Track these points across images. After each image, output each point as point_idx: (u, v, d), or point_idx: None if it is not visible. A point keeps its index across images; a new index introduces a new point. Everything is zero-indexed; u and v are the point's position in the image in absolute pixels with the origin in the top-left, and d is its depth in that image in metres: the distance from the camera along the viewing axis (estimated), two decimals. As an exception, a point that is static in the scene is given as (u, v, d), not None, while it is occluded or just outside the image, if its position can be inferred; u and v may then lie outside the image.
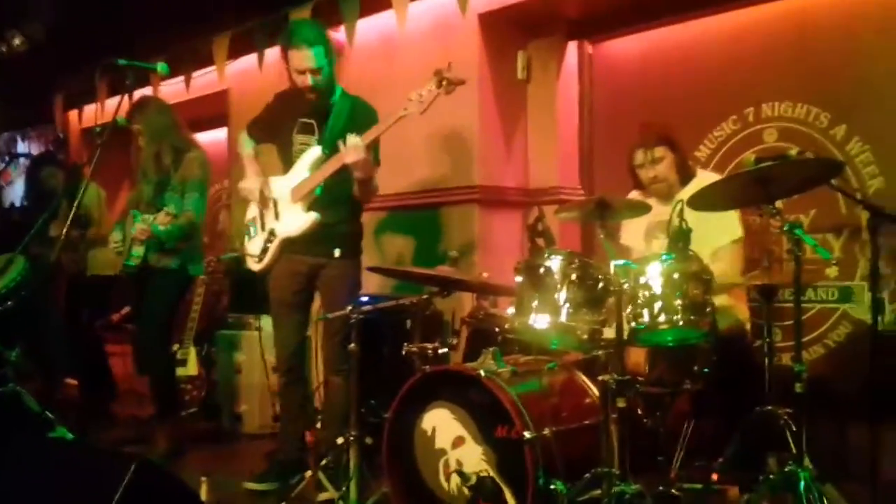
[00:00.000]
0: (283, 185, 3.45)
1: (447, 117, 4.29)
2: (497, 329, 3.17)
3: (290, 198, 3.42)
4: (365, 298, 4.05)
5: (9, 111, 7.19)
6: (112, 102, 6.19)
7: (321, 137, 3.42)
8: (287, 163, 3.50)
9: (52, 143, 7.04)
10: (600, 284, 2.51)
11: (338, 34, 4.82)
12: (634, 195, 3.31)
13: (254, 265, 3.57)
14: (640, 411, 2.68)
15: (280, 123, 3.56)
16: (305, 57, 3.31)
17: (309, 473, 3.12)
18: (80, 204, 3.42)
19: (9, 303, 4.52)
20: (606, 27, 4.29)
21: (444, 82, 3.17)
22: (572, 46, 4.41)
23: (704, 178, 3.20)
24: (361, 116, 3.41)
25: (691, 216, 2.45)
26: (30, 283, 4.57)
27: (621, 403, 2.23)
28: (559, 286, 2.50)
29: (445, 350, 3.18)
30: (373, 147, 3.32)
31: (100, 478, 2.31)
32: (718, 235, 3.01)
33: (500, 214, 4.30)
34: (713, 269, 2.46)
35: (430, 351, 3.12)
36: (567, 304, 2.47)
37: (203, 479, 2.83)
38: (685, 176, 3.20)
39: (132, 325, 5.95)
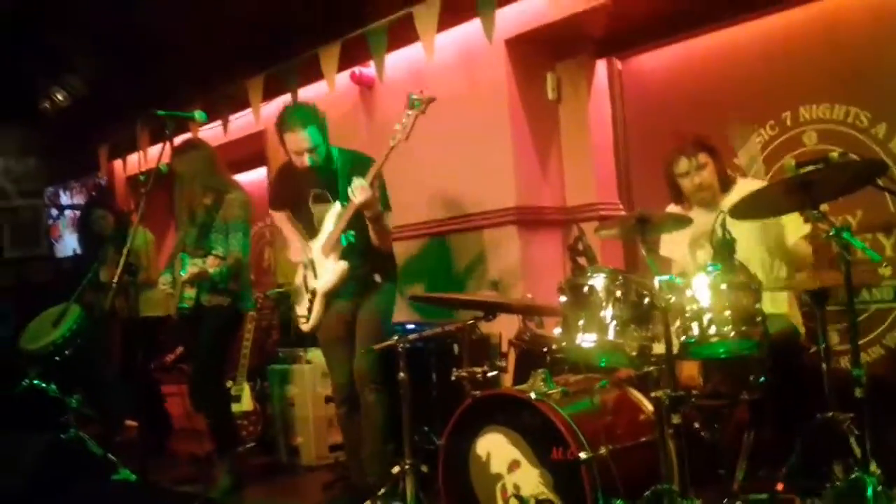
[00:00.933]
0: (315, 246, 3.61)
1: (482, 141, 4.34)
2: (545, 350, 3.18)
3: (321, 254, 3.56)
4: (411, 326, 4.11)
5: (54, 165, 7.44)
6: (155, 150, 6.38)
7: (336, 197, 3.53)
8: (310, 230, 3.67)
9: (94, 190, 7.25)
10: (646, 300, 2.50)
11: (368, 69, 4.92)
12: (672, 209, 3.30)
13: (303, 326, 3.70)
14: (697, 425, 2.66)
15: (294, 195, 3.73)
16: (301, 139, 3.48)
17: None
18: (129, 249, 3.54)
19: (66, 351, 4.67)
20: (634, 43, 4.30)
21: (416, 104, 3.28)
22: (601, 64, 4.43)
23: (745, 184, 3.18)
24: (361, 165, 3.51)
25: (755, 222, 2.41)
26: (85, 331, 4.71)
27: (676, 419, 2.21)
28: (604, 304, 2.50)
29: (495, 373, 3.21)
30: (378, 187, 3.45)
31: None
32: (791, 232, 3.01)
33: (540, 234, 4.31)
34: (800, 252, 2.40)
35: (479, 375, 3.13)
36: (614, 322, 2.46)
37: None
38: (725, 183, 3.19)
39: (186, 364, 6.09)
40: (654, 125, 4.29)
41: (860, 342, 3.42)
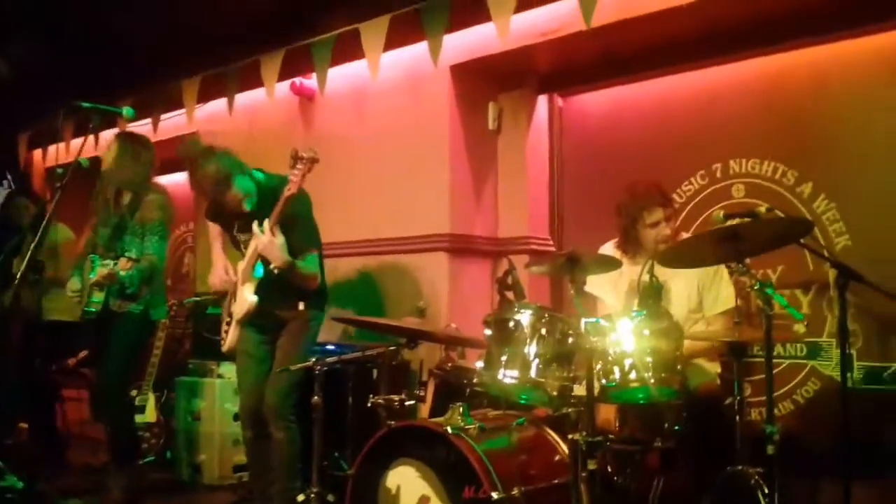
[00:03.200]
0: (239, 275, 3.48)
1: (418, 165, 4.30)
2: (465, 382, 3.12)
3: (241, 281, 3.45)
4: (330, 347, 4.00)
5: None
6: (77, 143, 6.12)
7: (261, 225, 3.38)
8: (238, 252, 3.57)
9: (13, 179, 6.88)
10: (570, 340, 2.48)
11: (309, 81, 4.83)
12: (607, 249, 3.30)
13: (221, 346, 3.61)
14: (609, 469, 2.64)
15: (223, 215, 3.59)
16: (235, 198, 3.36)
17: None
18: (38, 245, 3.35)
19: (-40, 347, 4.38)
20: (576, 81, 4.35)
21: (300, 163, 3.20)
22: (543, 99, 4.46)
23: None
24: (281, 189, 3.35)
25: (688, 280, 2.42)
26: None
27: (592, 465, 2.18)
28: (529, 341, 2.47)
29: (412, 402, 3.14)
30: (299, 227, 3.34)
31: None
32: (713, 305, 3.08)
33: (469, 264, 4.27)
34: (706, 332, 2.44)
35: (396, 403, 3.06)
36: (537, 360, 2.43)
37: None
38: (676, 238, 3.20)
39: (89, 369, 5.80)
40: (590, 164, 4.33)
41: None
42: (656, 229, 3.14)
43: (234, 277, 3.47)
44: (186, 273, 6.40)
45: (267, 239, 3.17)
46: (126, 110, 3.50)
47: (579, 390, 2.37)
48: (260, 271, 3.37)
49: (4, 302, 4.71)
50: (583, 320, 2.27)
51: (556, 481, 2.53)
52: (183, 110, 5.29)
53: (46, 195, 6.23)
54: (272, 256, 3.22)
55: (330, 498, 2.89)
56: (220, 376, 4.63)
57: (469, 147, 4.31)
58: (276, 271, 3.24)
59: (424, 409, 3.33)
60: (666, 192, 3.24)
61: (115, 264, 3.68)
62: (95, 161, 5.76)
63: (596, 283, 3.24)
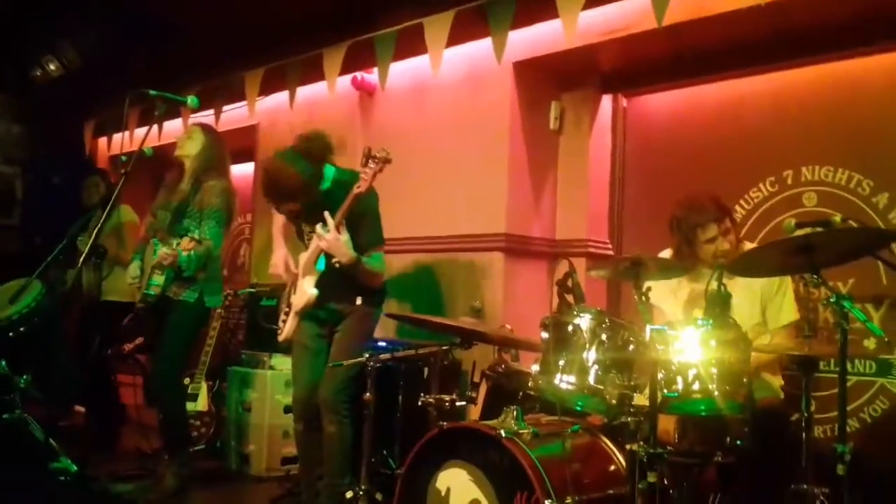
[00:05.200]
0: (301, 262, 3.50)
1: (477, 163, 4.24)
2: (519, 385, 3.06)
3: (302, 273, 3.46)
4: (382, 344, 3.97)
5: (37, 135, 7.24)
6: (141, 132, 6.23)
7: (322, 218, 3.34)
8: (302, 242, 3.59)
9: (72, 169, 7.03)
10: (631, 347, 2.40)
11: (370, 76, 4.81)
12: (667, 254, 3.20)
13: (278, 335, 3.61)
14: (665, 482, 2.54)
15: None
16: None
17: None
18: (101, 229, 3.40)
19: (22, 328, 4.47)
20: (642, 82, 4.23)
21: (372, 161, 3.20)
22: (606, 99, 4.36)
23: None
24: (351, 184, 3.34)
25: (750, 291, 2.32)
26: (44, 309, 4.52)
27: (652, 478, 2.10)
28: (588, 346, 2.40)
29: (463, 403, 3.09)
30: (366, 223, 3.34)
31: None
32: (776, 317, 2.96)
33: (526, 265, 4.20)
34: (774, 345, 2.34)
35: (447, 403, 3.03)
36: (596, 366, 2.36)
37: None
38: (739, 249, 3.08)
39: (144, 355, 5.90)
40: (654, 167, 4.21)
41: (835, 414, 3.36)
42: (713, 244, 3.01)
43: (295, 270, 3.46)
44: (242, 264, 6.46)
45: (332, 236, 3.15)
46: (191, 99, 3.54)
47: (639, 399, 2.29)
48: (322, 264, 3.37)
49: (67, 281, 4.82)
50: (647, 327, 2.19)
51: (610, 492, 2.45)
52: (245, 102, 5.33)
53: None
54: (338, 253, 3.22)
55: (378, 496, 2.86)
56: (272, 368, 4.64)
57: (529, 146, 4.24)
58: (338, 266, 3.23)
59: (475, 411, 3.29)
60: (722, 204, 3.09)
61: (178, 244, 3.70)
62: (159, 149, 5.89)
63: (654, 291, 3.14)
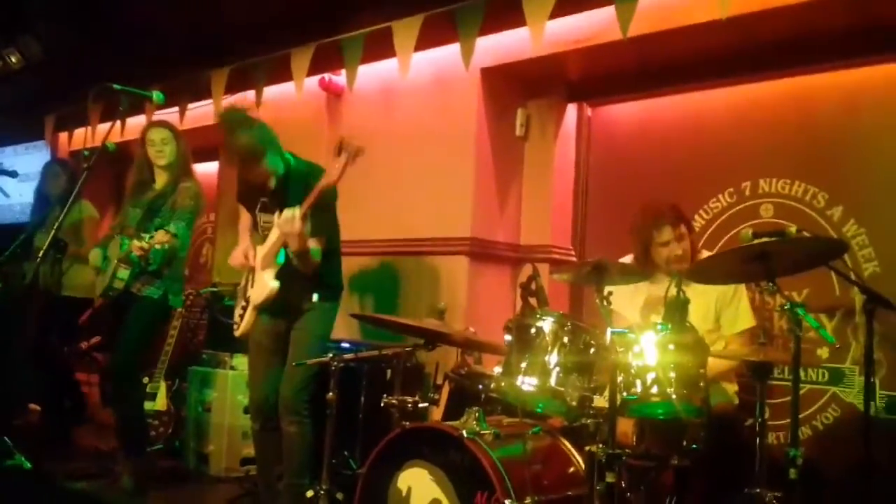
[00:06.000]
0: (259, 254, 3.47)
1: (443, 167, 4.28)
2: (481, 387, 3.08)
3: (260, 266, 3.43)
4: (345, 345, 3.98)
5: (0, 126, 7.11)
6: (105, 127, 6.14)
7: (281, 210, 3.32)
8: (259, 235, 3.55)
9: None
10: (592, 350, 2.45)
11: (338, 78, 4.82)
12: (628, 260, 3.26)
13: (235, 331, 3.58)
14: (623, 483, 2.59)
15: (248, 198, 3.60)
16: (264, 171, 3.35)
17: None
18: (61, 224, 3.35)
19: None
20: (607, 91, 4.31)
21: (344, 153, 3.15)
22: (572, 108, 4.42)
23: None
24: (311, 179, 3.34)
25: (705, 298, 2.37)
26: (0, 303, 4.44)
27: (611, 478, 2.14)
28: (550, 348, 2.44)
29: (426, 405, 3.11)
30: (323, 211, 3.30)
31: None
32: (732, 324, 3.03)
33: (490, 269, 4.24)
34: (730, 351, 2.40)
35: (409, 404, 3.03)
36: (557, 368, 2.39)
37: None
38: (695, 258, 3.15)
39: (100, 353, 5.81)
40: (617, 175, 4.29)
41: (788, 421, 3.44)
42: (667, 248, 3.10)
43: (253, 262, 3.44)
44: (204, 263, 6.41)
45: (298, 225, 3.12)
46: (156, 95, 3.51)
47: (599, 401, 2.34)
48: (282, 257, 3.35)
49: (26, 277, 4.73)
50: (609, 331, 2.23)
51: (569, 493, 2.50)
52: (210, 101, 5.29)
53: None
54: (294, 242, 3.19)
55: (339, 496, 2.86)
56: (233, 368, 4.61)
57: (495, 152, 4.29)
58: (292, 254, 3.23)
59: (438, 413, 3.30)
60: (679, 211, 3.18)
61: (152, 237, 3.67)
62: (121, 145, 5.81)
63: (615, 295, 3.20)
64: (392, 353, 3.05)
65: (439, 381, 3.37)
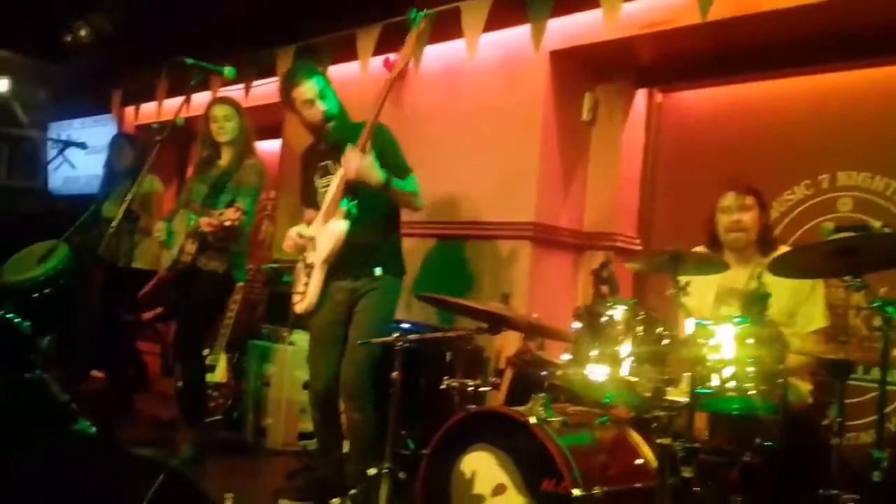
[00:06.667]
0: (316, 221, 3.42)
1: (508, 151, 4.23)
2: (544, 373, 3.05)
3: (322, 224, 3.36)
4: (406, 325, 3.97)
5: (65, 101, 7.27)
6: (171, 102, 6.23)
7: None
8: (316, 206, 3.49)
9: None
10: (665, 341, 2.39)
11: (405, 57, 4.79)
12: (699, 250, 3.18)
13: (298, 305, 3.43)
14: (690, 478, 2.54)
15: (309, 181, 3.56)
16: (306, 89, 3.38)
17: (337, 501, 2.99)
18: (134, 196, 3.42)
19: (46, 290, 4.51)
20: (679, 77, 4.20)
21: (415, 21, 3.24)
22: (641, 93, 4.33)
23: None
24: (380, 131, 3.35)
25: (781, 293, 2.29)
26: (70, 272, 4.55)
27: (687, 473, 2.09)
28: (622, 338, 2.39)
29: (487, 389, 3.09)
30: (387, 150, 3.28)
31: (126, 482, 2.22)
32: (807, 322, 2.93)
33: (552, 255, 4.19)
34: (811, 348, 2.32)
35: (471, 387, 3.02)
36: (630, 359, 2.34)
37: (228, 495, 2.72)
38: (765, 242, 3.04)
39: (162, 325, 5.93)
40: (686, 164, 4.19)
41: (864, 421, 3.34)
42: (727, 215, 3.01)
43: (307, 236, 3.40)
44: (263, 240, 6.48)
45: (359, 158, 3.11)
46: (228, 70, 3.54)
47: (673, 394, 2.28)
48: (345, 204, 3.28)
49: (95, 247, 4.84)
50: (690, 322, 2.18)
51: (637, 485, 2.45)
52: (275, 78, 5.31)
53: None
54: (366, 175, 3.15)
55: (401, 475, 2.86)
56: (292, 343, 4.66)
57: (561, 136, 4.22)
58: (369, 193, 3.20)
59: (498, 397, 3.29)
60: (750, 183, 3.08)
61: (222, 213, 3.71)
62: (190, 120, 5.89)
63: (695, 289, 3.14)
64: (458, 335, 3.03)
65: (501, 366, 3.34)
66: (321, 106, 3.38)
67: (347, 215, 3.27)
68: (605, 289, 2.61)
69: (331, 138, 3.42)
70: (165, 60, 5.19)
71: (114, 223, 3.38)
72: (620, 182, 4.25)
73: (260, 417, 4.66)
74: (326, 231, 3.32)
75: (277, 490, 3.55)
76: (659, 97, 4.34)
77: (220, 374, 4.93)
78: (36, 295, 4.44)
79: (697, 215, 3.25)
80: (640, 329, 2.37)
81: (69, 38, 6.29)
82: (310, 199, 3.56)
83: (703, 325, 2.21)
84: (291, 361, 4.59)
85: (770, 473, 2.61)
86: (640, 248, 4.23)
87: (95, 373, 5.59)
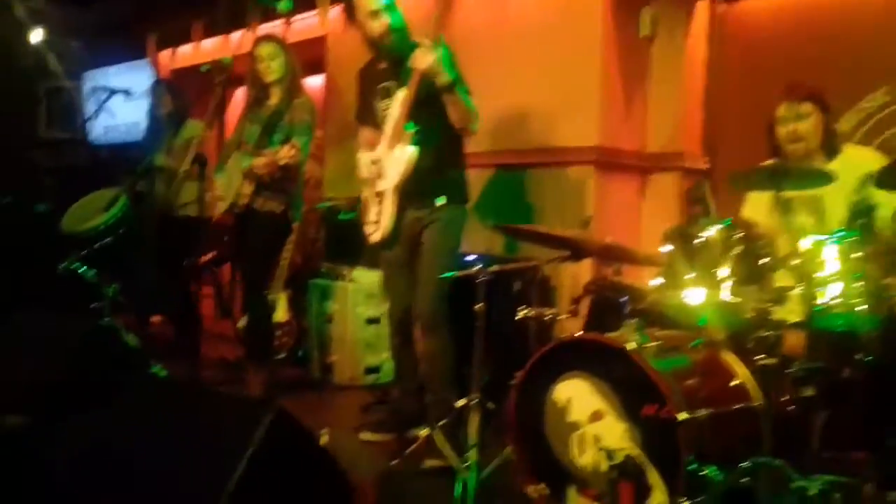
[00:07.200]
0: (381, 146, 3.35)
1: (565, 72, 4.09)
2: (624, 299, 3.00)
3: (387, 149, 3.30)
4: (471, 257, 3.93)
5: (98, 48, 7.17)
6: (206, 43, 6.13)
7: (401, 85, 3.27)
8: (379, 131, 3.41)
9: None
10: (767, 259, 2.32)
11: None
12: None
13: (374, 235, 3.39)
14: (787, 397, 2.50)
15: (368, 102, 3.49)
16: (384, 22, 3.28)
17: (425, 432, 3.01)
18: (195, 138, 3.37)
19: (108, 238, 4.53)
20: (742, -15, 4.02)
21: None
22: (702, 5, 4.15)
23: (855, 152, 2.97)
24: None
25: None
26: (130, 220, 4.56)
27: (810, 392, 2.05)
28: (720, 259, 2.32)
29: (564, 317, 3.06)
30: (444, 62, 3.15)
31: (228, 424, 2.23)
32: None
33: (616, 179, 4.10)
34: None
35: (547, 317, 2.99)
36: (730, 280, 2.28)
37: (323, 431, 2.75)
38: (830, 146, 2.93)
39: (217, 267, 5.96)
40: (753, 77, 4.02)
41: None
42: (783, 127, 2.92)
43: (373, 158, 3.36)
44: (308, 180, 6.42)
45: (430, 52, 3.05)
46: (284, 3, 3.45)
47: (779, 313, 2.23)
48: (410, 128, 3.24)
49: (153, 196, 4.84)
50: (805, 240, 2.10)
51: (738, 406, 2.42)
52: (315, 11, 5.17)
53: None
54: (437, 70, 3.09)
55: (490, 406, 2.86)
56: (352, 280, 4.66)
57: (621, 55, 4.07)
58: (440, 91, 3.15)
59: (576, 326, 3.25)
60: (806, 87, 2.95)
61: (276, 152, 3.66)
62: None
63: (750, 201, 3.05)
64: (544, 263, 2.99)
65: (577, 294, 3.29)
66: (385, 18, 3.29)
67: (414, 140, 3.21)
68: (697, 209, 2.53)
69: (392, 53, 3.34)
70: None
71: (183, 168, 3.33)
72: (684, 99, 4.11)
73: (325, 354, 4.70)
74: (394, 157, 3.28)
75: (357, 425, 3.60)
76: (721, 7, 4.16)
77: (280, 312, 4.94)
78: (98, 244, 4.45)
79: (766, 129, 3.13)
80: (738, 248, 2.30)
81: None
82: (368, 118, 3.51)
83: (812, 241, 2.13)
84: (353, 298, 4.60)
85: (869, 388, 2.57)
86: (707, 167, 4.11)
87: (154, 318, 5.67)
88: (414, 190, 3.29)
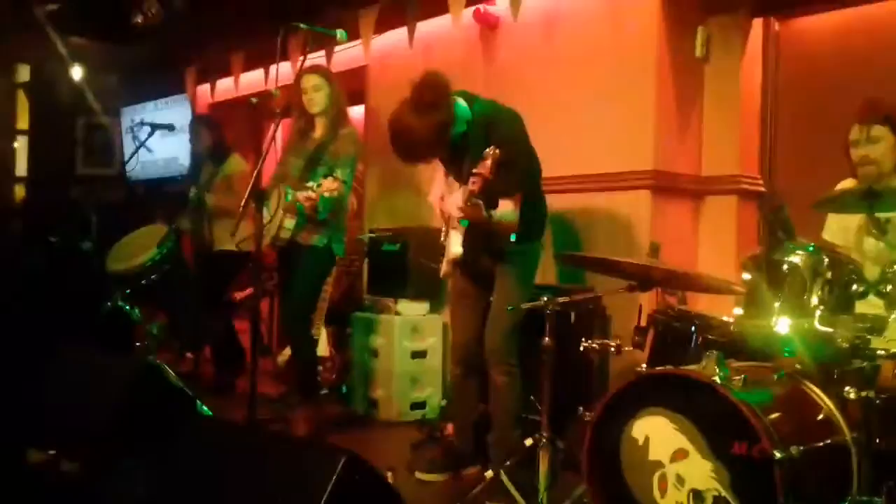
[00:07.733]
0: (449, 207, 3.17)
1: (618, 96, 4.00)
2: (694, 329, 2.87)
3: (452, 222, 3.17)
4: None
5: (136, 84, 7.21)
6: (247, 76, 6.12)
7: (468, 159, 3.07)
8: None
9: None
10: (854, 286, 2.19)
11: (493, 7, 4.57)
12: (846, 184, 2.95)
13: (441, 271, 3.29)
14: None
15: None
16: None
17: (489, 473, 2.88)
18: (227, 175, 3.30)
19: (153, 276, 4.49)
20: (797, 3, 3.91)
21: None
22: (757, 24, 4.04)
23: None
24: (496, 128, 3.09)
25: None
26: (174, 257, 4.52)
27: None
28: (809, 286, 2.18)
29: (629, 348, 2.93)
30: (515, 167, 2.97)
31: (305, 471, 2.12)
32: None
33: (672, 203, 3.97)
34: None
35: (613, 348, 2.87)
36: (822, 308, 2.15)
37: (388, 472, 2.63)
38: None
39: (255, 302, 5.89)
40: (809, 97, 3.91)
41: None
42: (855, 149, 2.81)
43: (446, 210, 3.25)
44: (352, 210, 6.36)
45: (468, 208, 2.84)
46: (340, 33, 3.41)
47: (876, 342, 2.08)
48: (464, 224, 3.05)
49: (200, 233, 4.79)
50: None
51: (827, 441, 2.26)
52: (359, 41, 5.13)
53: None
54: (475, 218, 2.91)
55: (560, 444, 2.74)
56: (398, 313, 4.55)
57: (676, 76, 3.96)
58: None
59: (642, 357, 3.11)
60: (878, 108, 2.81)
61: (319, 186, 3.58)
62: (264, 94, 5.75)
63: (829, 224, 2.92)
64: (605, 294, 2.86)
65: (642, 324, 3.16)
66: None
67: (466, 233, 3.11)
68: (779, 234, 2.40)
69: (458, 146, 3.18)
70: (239, 29, 5.01)
71: (242, 204, 3.28)
72: (739, 120, 3.99)
73: (370, 389, 4.59)
74: (450, 240, 3.18)
75: (408, 463, 3.47)
76: (776, 26, 4.05)
77: (322, 347, 4.86)
78: (143, 282, 4.42)
79: (825, 150, 3.03)
80: (829, 275, 2.17)
81: (139, 18, 6.19)
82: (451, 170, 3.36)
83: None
84: (399, 332, 4.49)
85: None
86: (763, 189, 3.98)
87: (188, 354, 5.59)
88: (477, 257, 3.20)
